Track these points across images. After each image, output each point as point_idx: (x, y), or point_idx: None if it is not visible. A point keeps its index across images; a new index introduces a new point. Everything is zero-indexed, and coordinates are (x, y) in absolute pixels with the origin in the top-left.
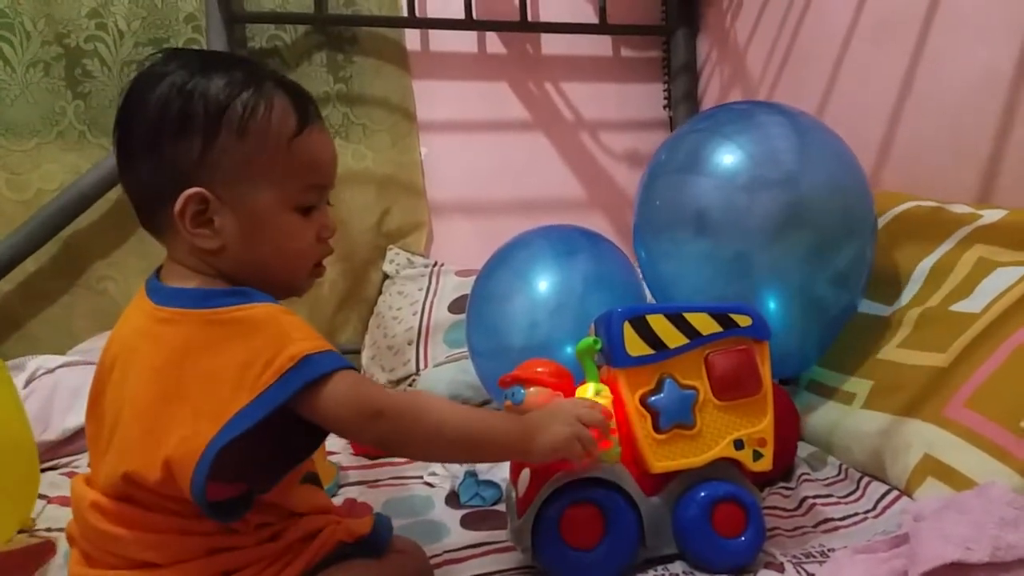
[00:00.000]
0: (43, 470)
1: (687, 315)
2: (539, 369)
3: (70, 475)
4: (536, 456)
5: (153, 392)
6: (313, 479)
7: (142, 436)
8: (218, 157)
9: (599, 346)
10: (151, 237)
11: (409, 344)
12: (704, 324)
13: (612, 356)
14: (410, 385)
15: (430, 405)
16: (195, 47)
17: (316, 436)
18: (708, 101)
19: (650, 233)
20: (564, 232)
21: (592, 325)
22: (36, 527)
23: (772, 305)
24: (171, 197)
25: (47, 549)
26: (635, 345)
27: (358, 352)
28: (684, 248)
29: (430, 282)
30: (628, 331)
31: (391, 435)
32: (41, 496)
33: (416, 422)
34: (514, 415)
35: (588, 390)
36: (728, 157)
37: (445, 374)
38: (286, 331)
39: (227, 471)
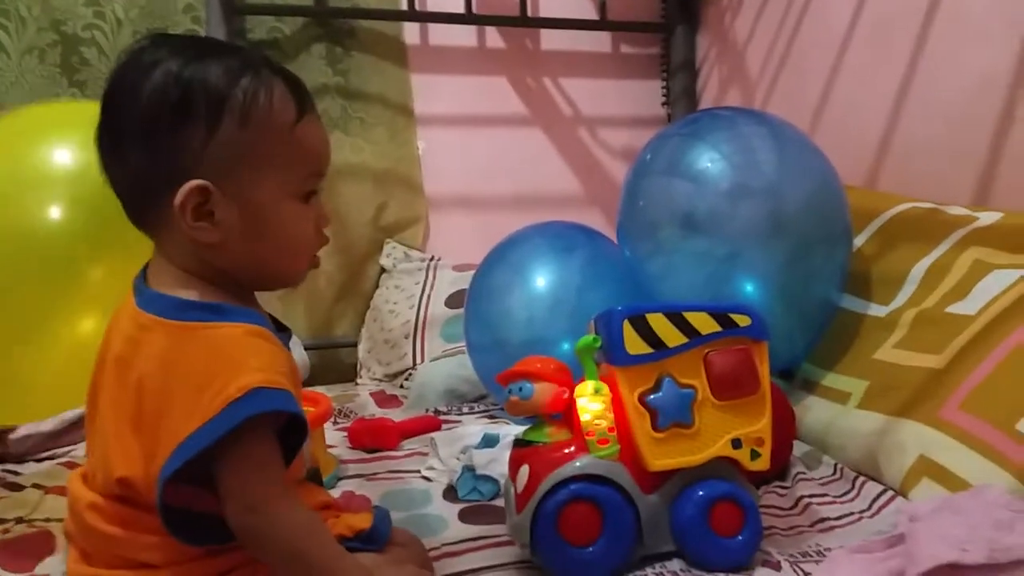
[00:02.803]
0: (40, 460)
1: (687, 314)
2: (539, 365)
3: (68, 465)
4: None
5: (131, 402)
6: (314, 476)
7: (131, 442)
8: (220, 147)
9: (598, 344)
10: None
11: (406, 338)
12: (704, 323)
13: (611, 354)
14: (407, 379)
15: (311, 537)
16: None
17: (288, 448)
18: (706, 98)
19: (633, 232)
20: (562, 228)
21: (591, 323)
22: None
23: (752, 305)
24: (167, 190)
25: (47, 541)
26: (634, 344)
27: (355, 345)
28: (666, 248)
29: (427, 276)
30: (628, 330)
31: (250, 533)
32: (38, 486)
33: (275, 539)
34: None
35: (587, 388)
36: (709, 163)
37: (442, 368)
38: (244, 358)
39: (210, 478)
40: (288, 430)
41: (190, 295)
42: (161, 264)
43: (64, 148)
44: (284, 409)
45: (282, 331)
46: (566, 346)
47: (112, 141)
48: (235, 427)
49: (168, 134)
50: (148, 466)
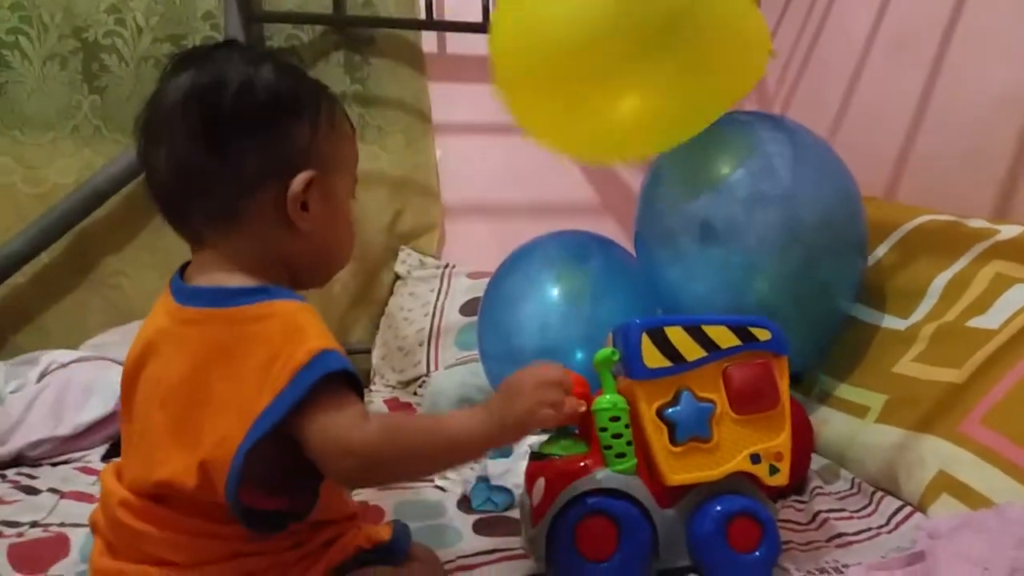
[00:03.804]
0: (55, 464)
1: (706, 327)
2: None
3: (84, 470)
4: (514, 438)
5: (183, 396)
6: None
7: (175, 442)
8: (319, 145)
9: (617, 357)
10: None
11: (420, 345)
12: (723, 337)
13: (629, 367)
14: (420, 387)
15: (400, 428)
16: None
17: None
18: None
19: (650, 240)
20: (577, 237)
21: (610, 335)
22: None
23: (767, 312)
24: (268, 181)
25: (61, 545)
26: (653, 357)
27: (368, 352)
28: (682, 256)
29: (441, 284)
30: (646, 343)
31: (358, 477)
32: (54, 491)
33: (381, 465)
34: (478, 407)
35: (605, 400)
36: (726, 169)
37: (455, 376)
38: (303, 328)
39: (266, 480)
40: None
41: (237, 283)
42: (210, 261)
43: None
44: (350, 370)
45: None
46: (580, 355)
47: (210, 129)
48: (309, 390)
49: (281, 127)
50: (198, 460)
